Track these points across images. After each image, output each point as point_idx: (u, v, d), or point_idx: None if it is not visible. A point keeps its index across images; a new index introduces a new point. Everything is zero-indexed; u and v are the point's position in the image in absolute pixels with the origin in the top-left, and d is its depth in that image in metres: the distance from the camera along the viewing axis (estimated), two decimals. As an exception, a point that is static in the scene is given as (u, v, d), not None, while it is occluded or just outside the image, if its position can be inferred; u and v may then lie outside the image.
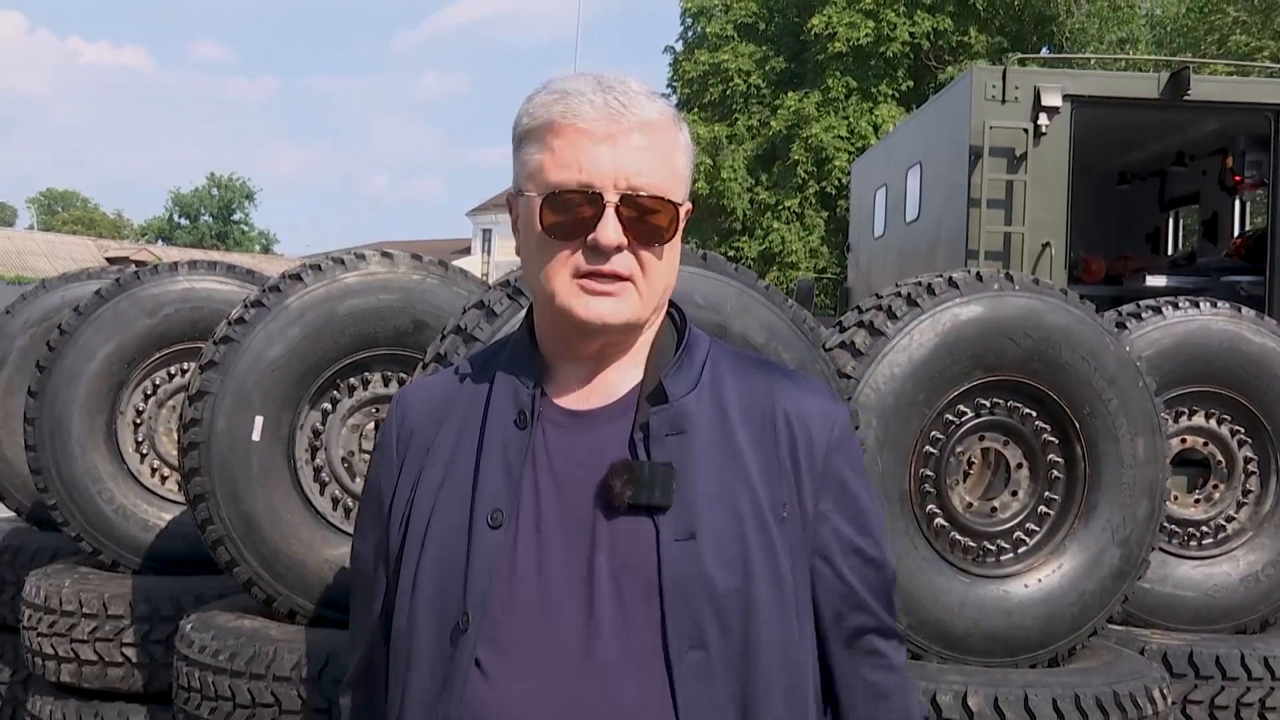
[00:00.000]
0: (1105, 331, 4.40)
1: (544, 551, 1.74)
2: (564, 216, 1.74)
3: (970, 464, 4.47)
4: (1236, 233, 11.76)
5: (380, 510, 1.89)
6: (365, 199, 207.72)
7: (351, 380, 4.60)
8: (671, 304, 1.90)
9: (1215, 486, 5.34)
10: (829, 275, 32.04)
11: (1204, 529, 5.29)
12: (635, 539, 1.72)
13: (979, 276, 4.35)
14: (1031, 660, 4.33)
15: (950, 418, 4.37)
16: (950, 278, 4.34)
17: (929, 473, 4.36)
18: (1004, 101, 9.56)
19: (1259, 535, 5.27)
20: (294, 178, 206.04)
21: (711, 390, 1.81)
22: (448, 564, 1.76)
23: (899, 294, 4.31)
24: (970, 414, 4.40)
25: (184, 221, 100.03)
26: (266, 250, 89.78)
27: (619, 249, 1.73)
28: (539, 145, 1.76)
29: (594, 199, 1.72)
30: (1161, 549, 5.07)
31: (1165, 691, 4.23)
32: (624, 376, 1.83)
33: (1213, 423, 5.27)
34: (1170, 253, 12.95)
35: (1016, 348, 4.30)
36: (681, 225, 1.82)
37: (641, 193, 1.73)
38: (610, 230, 1.72)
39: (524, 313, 1.90)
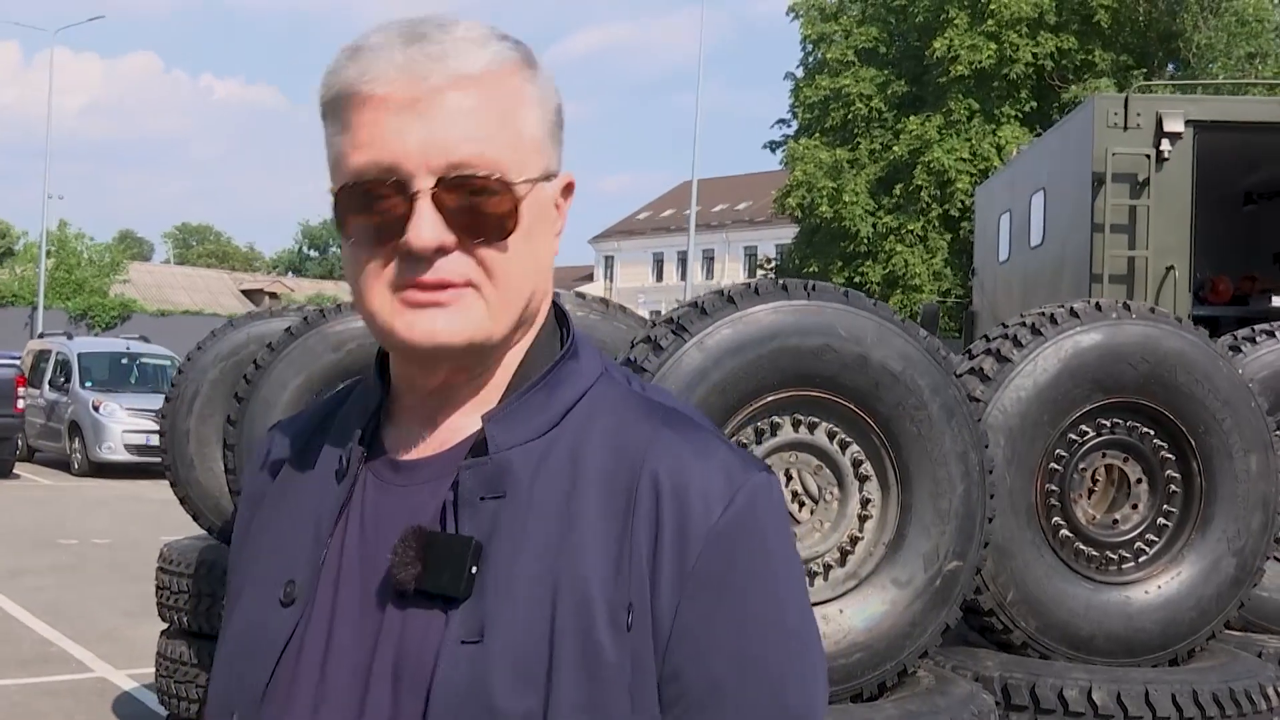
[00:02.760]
0: (1218, 355, 4.78)
1: (332, 641, 1.32)
2: (368, 216, 1.29)
3: (1093, 479, 4.86)
4: (1363, 252, 11.90)
5: (229, 574, 1.52)
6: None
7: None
8: (564, 319, 1.46)
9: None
10: (954, 299, 32.19)
11: (1322, 541, 5.59)
12: (422, 635, 1.27)
13: (1098, 306, 4.75)
14: (1152, 661, 4.70)
15: (1073, 437, 4.77)
16: (1071, 308, 4.73)
17: (1054, 488, 4.76)
18: (1126, 128, 9.84)
19: (1375, 546, 5.57)
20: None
21: (572, 442, 1.32)
22: (235, 650, 1.37)
23: (1024, 323, 4.73)
24: (1092, 433, 4.79)
25: (313, 253, 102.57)
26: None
27: (443, 250, 1.28)
28: (338, 123, 1.32)
29: (400, 188, 1.27)
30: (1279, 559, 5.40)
31: (1279, 690, 4.58)
32: (471, 416, 1.37)
33: (1329, 440, 5.59)
34: (1299, 273, 13.07)
35: (1134, 371, 4.68)
36: (538, 209, 1.34)
37: (465, 172, 1.27)
38: (425, 229, 1.26)
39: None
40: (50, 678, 8.51)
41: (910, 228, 35.64)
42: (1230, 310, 10.60)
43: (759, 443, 4.17)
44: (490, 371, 1.37)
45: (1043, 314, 4.74)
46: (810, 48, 39.32)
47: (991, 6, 34.38)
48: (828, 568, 4.20)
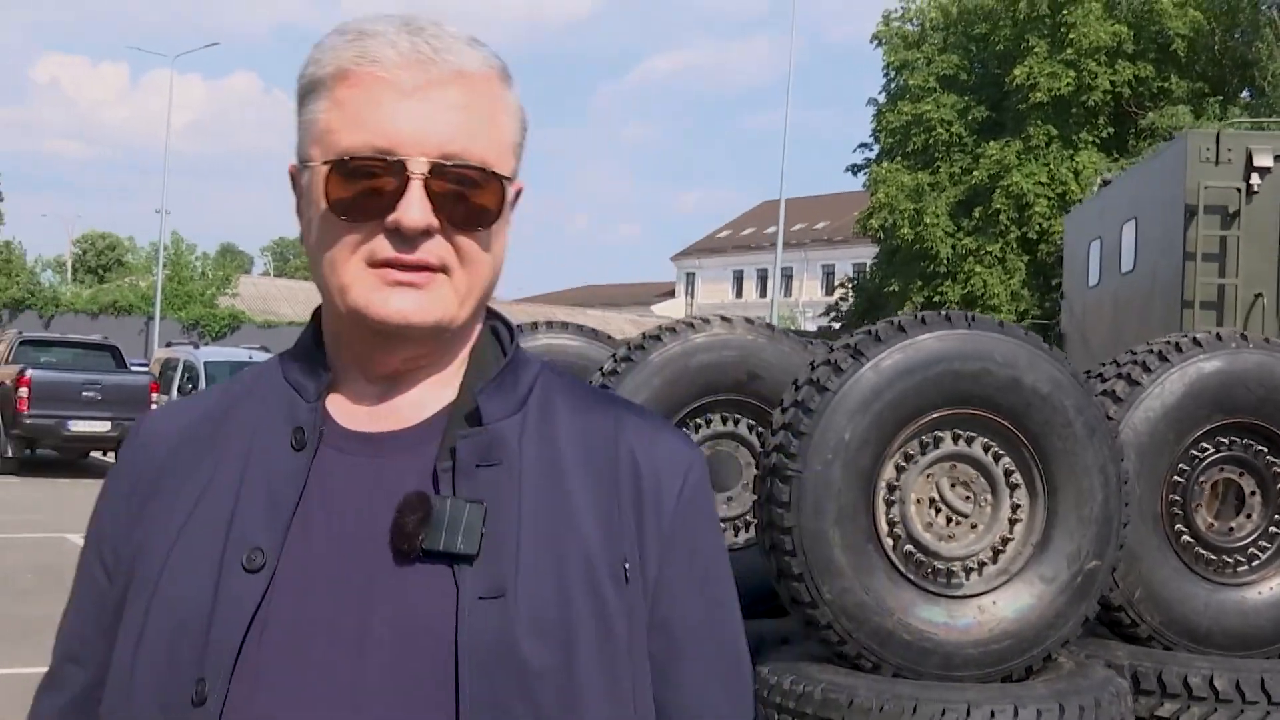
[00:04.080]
0: (1327, 381, 5.19)
1: (307, 606, 1.30)
2: (357, 191, 1.32)
3: (1211, 491, 5.28)
4: None
5: (99, 560, 1.43)
6: (568, 243, 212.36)
7: (697, 420, 5.61)
8: (498, 317, 1.50)
9: None
10: (1031, 319, 32.34)
11: None
12: (428, 595, 1.29)
13: (1219, 336, 5.18)
14: (1265, 654, 5.11)
15: (1195, 453, 5.21)
16: (1195, 337, 5.17)
17: (1177, 498, 5.19)
18: (1217, 163, 10.16)
19: None
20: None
21: (539, 420, 1.40)
22: (185, 616, 1.31)
23: (1151, 351, 5.17)
24: (1211, 450, 5.23)
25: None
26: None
27: (427, 233, 1.31)
28: (327, 100, 1.34)
29: (396, 169, 1.31)
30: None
31: (1381, 681, 4.99)
32: (432, 394, 1.40)
33: None
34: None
35: (1250, 395, 5.11)
36: (510, 205, 1.40)
37: (458, 162, 1.32)
38: (415, 210, 1.30)
39: (312, 314, 1.47)
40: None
41: (989, 249, 35.81)
42: (1312, 336, 10.86)
43: (923, 454, 4.63)
44: (445, 354, 1.41)
45: (1169, 342, 5.18)
46: (893, 74, 39.60)
47: (1071, 35, 34.55)
48: (982, 565, 4.65)
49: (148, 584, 1.34)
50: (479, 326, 1.43)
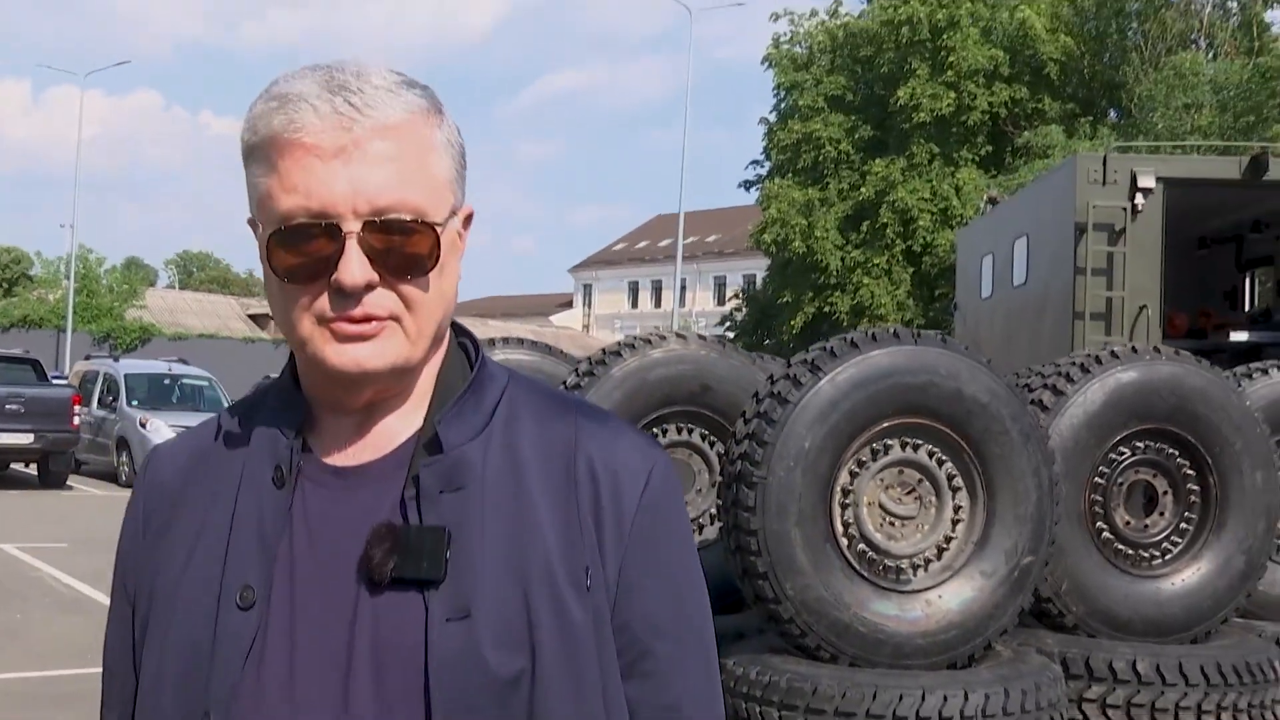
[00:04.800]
0: (1231, 389, 5.50)
1: (297, 637, 1.35)
2: (298, 256, 1.34)
3: (1128, 491, 5.57)
4: (1308, 292, 12.65)
5: (124, 590, 1.49)
6: (468, 256, 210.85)
7: (654, 431, 5.78)
8: (464, 333, 1.51)
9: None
10: (918, 327, 32.93)
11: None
12: (401, 619, 1.33)
13: (1134, 350, 5.46)
14: (1178, 640, 5.40)
15: (1114, 456, 5.49)
16: (1113, 350, 5.46)
17: (1098, 498, 5.47)
18: (1105, 184, 10.54)
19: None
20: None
21: (504, 436, 1.42)
22: (193, 654, 1.37)
23: (1074, 363, 5.44)
24: (1128, 453, 5.51)
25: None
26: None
27: (369, 287, 1.33)
28: (265, 165, 1.35)
29: (331, 231, 1.32)
30: (1274, 560, 6.12)
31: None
32: (404, 421, 1.43)
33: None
34: (1248, 309, 13.81)
35: (1164, 403, 5.41)
36: (449, 244, 1.40)
37: (389, 216, 1.33)
38: (354, 268, 1.31)
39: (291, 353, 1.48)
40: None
41: (876, 262, 36.43)
42: (1187, 343, 11.29)
43: (875, 460, 4.85)
44: (410, 384, 1.42)
45: (1090, 355, 5.46)
46: (783, 94, 40.10)
47: (951, 59, 35.28)
48: (927, 561, 4.88)
49: (161, 619, 1.40)
50: (443, 349, 1.45)
